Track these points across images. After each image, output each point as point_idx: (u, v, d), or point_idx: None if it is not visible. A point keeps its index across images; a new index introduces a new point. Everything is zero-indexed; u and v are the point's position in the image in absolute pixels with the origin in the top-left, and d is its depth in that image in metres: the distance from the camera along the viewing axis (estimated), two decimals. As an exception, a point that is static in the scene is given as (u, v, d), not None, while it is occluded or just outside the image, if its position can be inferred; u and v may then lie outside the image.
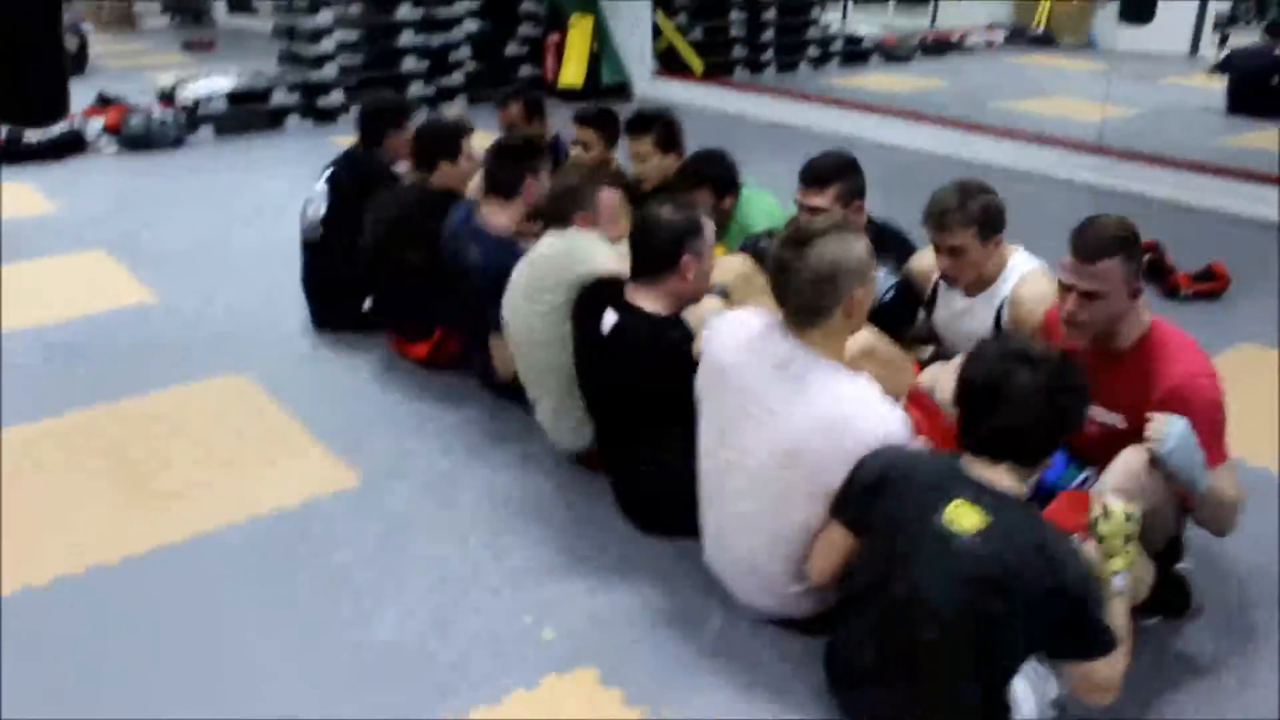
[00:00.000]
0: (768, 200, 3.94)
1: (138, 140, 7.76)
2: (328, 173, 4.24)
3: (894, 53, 12.44)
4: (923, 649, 2.00)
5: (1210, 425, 2.34)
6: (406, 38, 9.05)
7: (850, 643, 2.21)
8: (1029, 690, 2.00)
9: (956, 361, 2.79)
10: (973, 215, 2.94)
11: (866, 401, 2.27)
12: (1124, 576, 2.07)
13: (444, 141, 3.99)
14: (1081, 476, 2.63)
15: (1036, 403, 2.01)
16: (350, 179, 4.19)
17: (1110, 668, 1.99)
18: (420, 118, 4.41)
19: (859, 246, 2.31)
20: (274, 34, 9.35)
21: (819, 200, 3.31)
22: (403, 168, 4.27)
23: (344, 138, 8.17)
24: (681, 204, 2.90)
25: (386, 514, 3.04)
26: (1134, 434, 2.33)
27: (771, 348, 2.37)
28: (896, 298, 3.37)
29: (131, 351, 4.16)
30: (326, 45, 8.68)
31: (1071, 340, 2.50)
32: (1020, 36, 14.00)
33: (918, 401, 2.79)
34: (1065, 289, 2.47)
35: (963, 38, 13.72)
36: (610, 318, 2.83)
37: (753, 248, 3.43)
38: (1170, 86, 10.40)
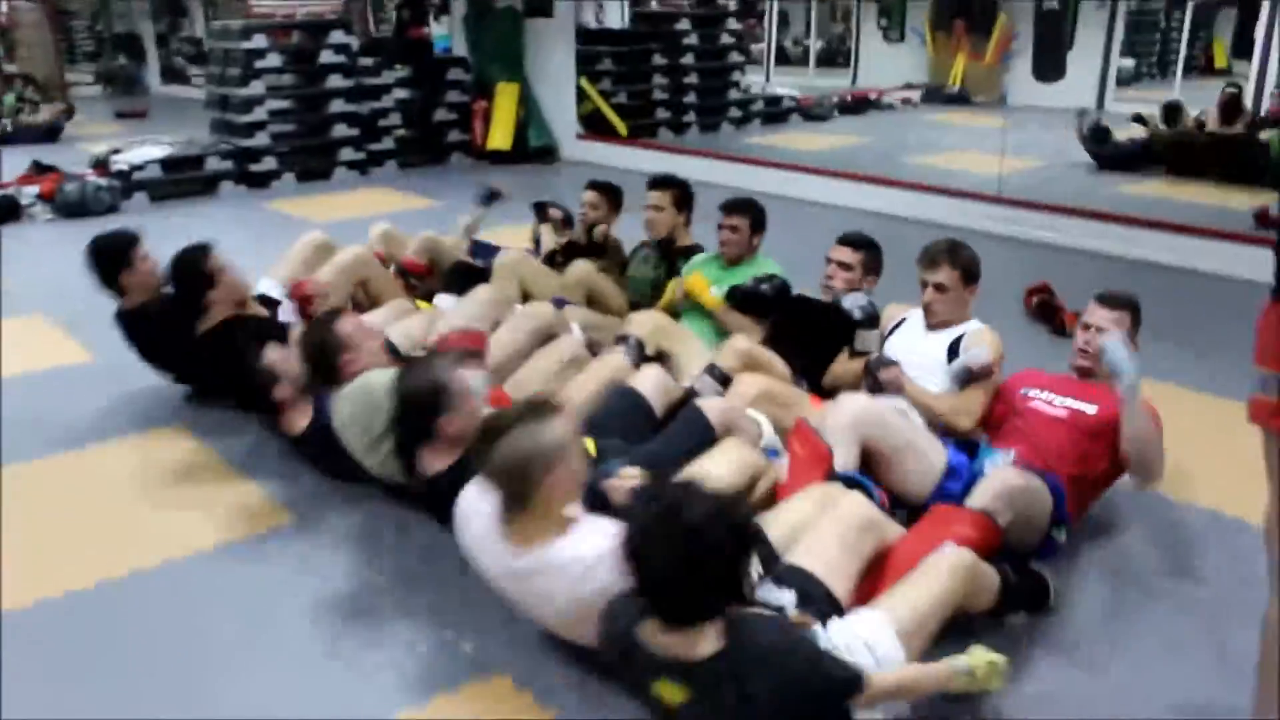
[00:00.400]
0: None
1: (73, 207, 7.92)
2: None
3: (812, 112, 12.94)
4: None
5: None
6: (337, 105, 9.33)
7: None
8: None
9: (844, 401, 3.12)
10: (960, 262, 3.52)
11: (578, 575, 2.35)
12: (964, 668, 2.28)
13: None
14: (1008, 456, 3.03)
15: (679, 568, 2.00)
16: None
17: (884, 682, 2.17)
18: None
19: (552, 428, 2.37)
20: (207, 104, 9.57)
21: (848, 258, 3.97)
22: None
23: (278, 202, 8.46)
24: (423, 368, 2.99)
25: (322, 547, 3.24)
26: (1099, 420, 3.12)
27: (498, 551, 2.48)
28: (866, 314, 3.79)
29: (73, 408, 4.32)
30: (259, 113, 8.93)
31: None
32: (936, 95, 14.56)
33: (801, 435, 3.07)
34: (1085, 327, 3.33)
35: (880, 96, 14.29)
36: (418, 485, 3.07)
37: (751, 290, 4.05)
38: (1073, 140, 10.94)
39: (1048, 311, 5.32)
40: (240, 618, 2.90)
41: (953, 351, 3.46)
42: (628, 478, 2.75)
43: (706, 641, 2.06)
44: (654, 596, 2.08)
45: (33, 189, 8.14)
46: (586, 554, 2.34)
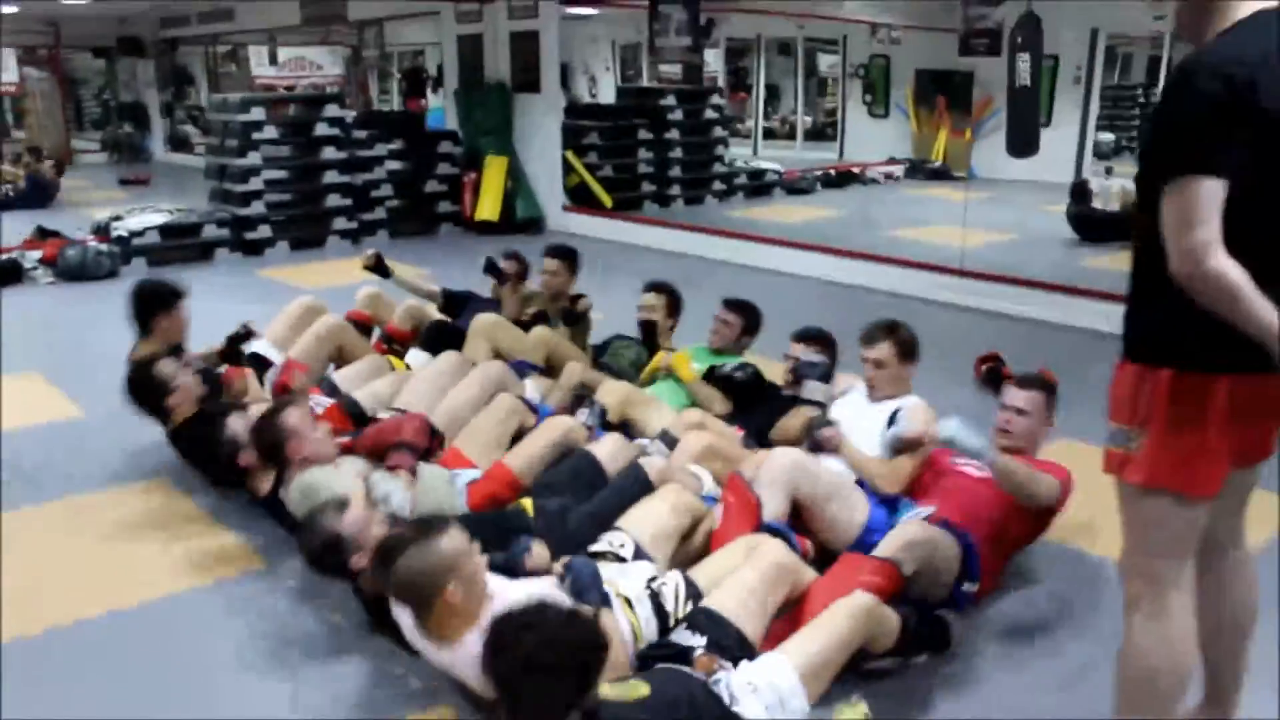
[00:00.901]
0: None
1: (73, 272, 8.24)
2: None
3: (795, 185, 13.35)
4: None
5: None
6: (330, 176, 9.69)
7: None
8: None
9: (776, 455, 3.38)
10: (898, 340, 3.79)
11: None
12: None
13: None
14: (922, 512, 3.27)
15: (513, 681, 2.22)
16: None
17: None
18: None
19: (439, 545, 2.55)
20: (206, 173, 9.93)
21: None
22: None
23: (271, 269, 8.77)
24: (316, 531, 3.06)
25: (288, 591, 3.47)
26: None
27: (424, 646, 2.69)
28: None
29: (63, 460, 4.58)
30: (255, 183, 9.28)
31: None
32: (919, 170, 14.97)
33: (733, 486, 3.32)
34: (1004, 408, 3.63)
35: (863, 170, 14.71)
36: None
37: (727, 375, 4.40)
38: (1042, 214, 11.30)
39: (995, 379, 5.57)
40: (206, 653, 3.12)
41: (891, 422, 3.71)
42: (537, 556, 2.98)
43: None
44: (508, 706, 2.28)
45: (36, 253, 8.46)
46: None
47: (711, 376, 4.43)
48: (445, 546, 2.57)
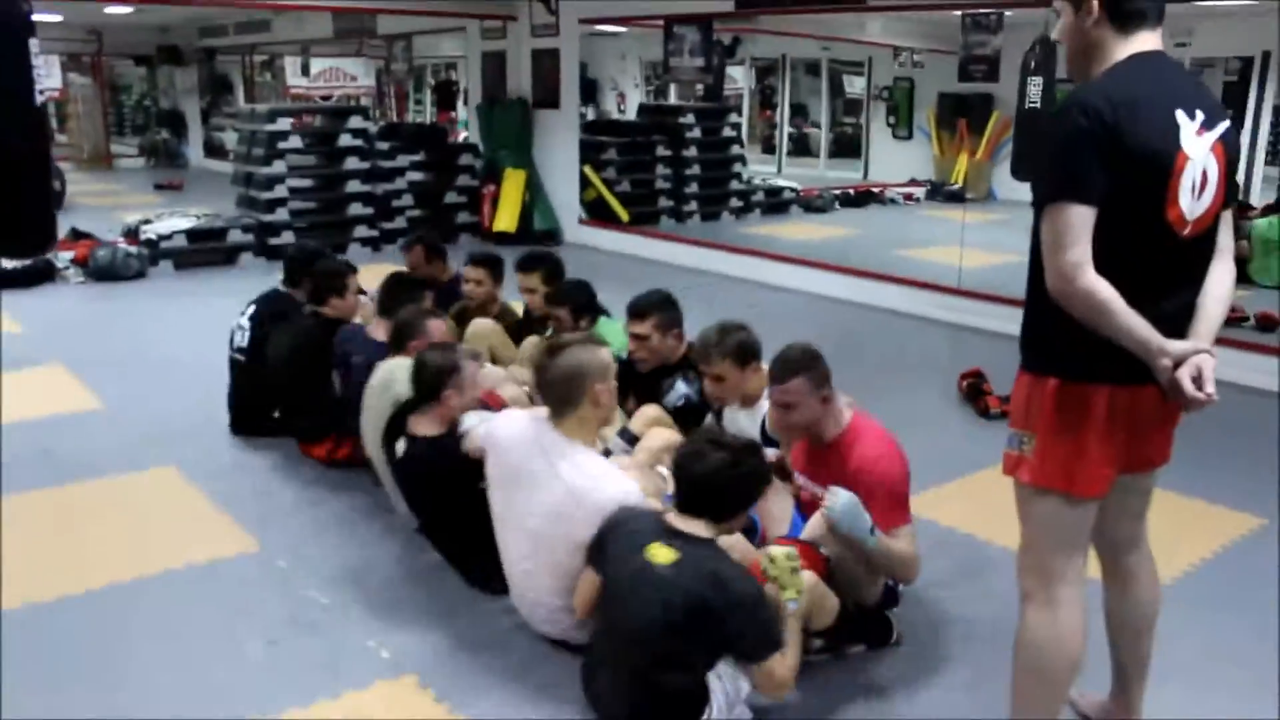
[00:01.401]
0: (617, 328, 4.76)
1: (103, 272, 8.58)
2: (251, 309, 5.03)
3: (812, 204, 13.53)
4: (634, 650, 2.68)
5: (889, 495, 3.07)
6: (353, 185, 10.01)
7: (593, 654, 2.92)
8: (720, 686, 2.67)
9: None
10: (728, 349, 3.62)
11: (605, 475, 2.99)
12: (795, 603, 2.77)
13: (333, 279, 4.84)
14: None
15: (721, 473, 2.70)
16: (269, 315, 4.97)
17: (783, 668, 2.69)
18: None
19: (600, 353, 3.07)
20: (233, 180, 10.28)
21: (640, 329, 4.15)
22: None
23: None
24: (447, 350, 3.70)
25: (278, 570, 3.73)
26: None
27: (536, 436, 3.09)
28: (692, 403, 4.11)
29: (78, 447, 4.87)
30: (280, 191, 9.60)
31: (788, 439, 3.36)
32: (938, 191, 15.12)
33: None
34: (773, 404, 3.27)
35: (883, 191, 14.88)
36: (400, 445, 3.67)
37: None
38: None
39: (975, 394, 5.77)
40: (195, 622, 3.39)
41: (763, 429, 3.74)
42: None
43: (705, 531, 2.71)
44: (689, 493, 2.73)
45: (68, 254, 8.82)
46: (599, 473, 2.99)
47: None
48: (602, 355, 3.09)
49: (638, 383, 4.25)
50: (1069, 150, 2.13)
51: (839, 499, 2.93)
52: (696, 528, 2.71)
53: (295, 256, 5.27)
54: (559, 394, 3.05)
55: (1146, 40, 2.23)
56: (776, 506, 3.52)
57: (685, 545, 2.67)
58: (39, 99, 5.60)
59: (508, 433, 3.22)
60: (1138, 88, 2.16)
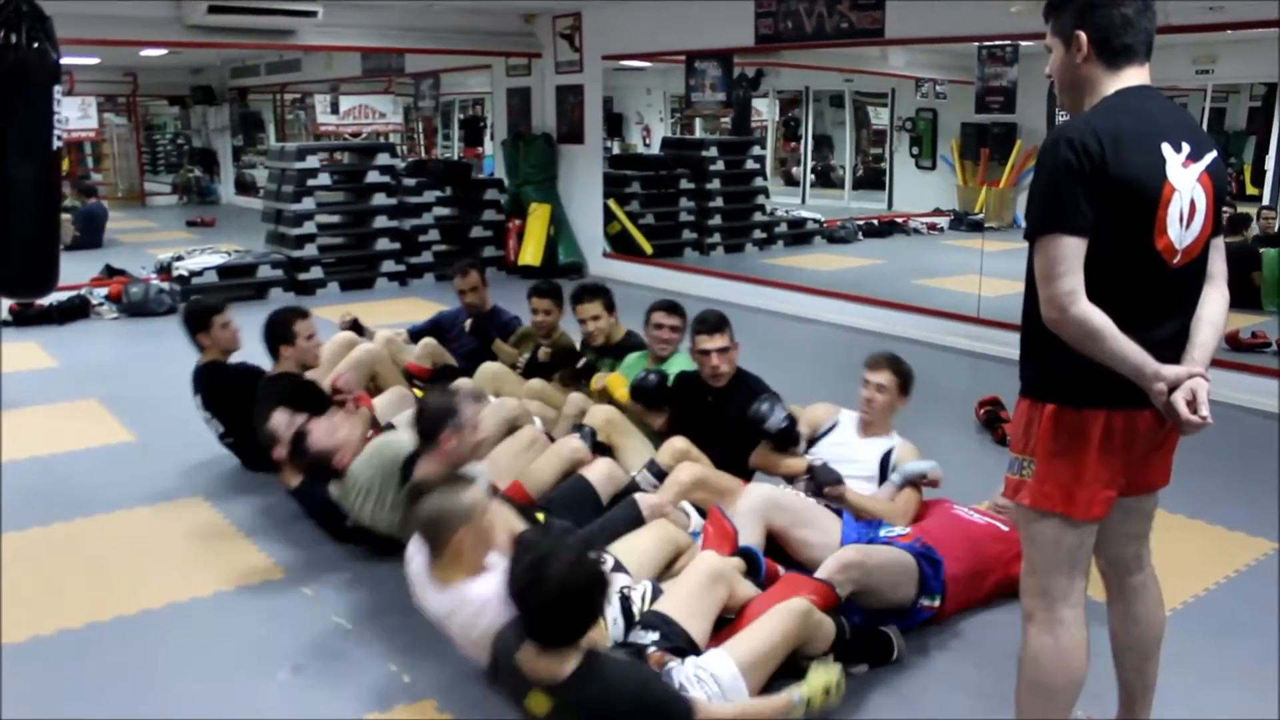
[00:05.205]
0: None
1: (136, 308, 8.76)
2: (197, 399, 5.12)
3: (835, 234, 13.59)
4: None
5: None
6: (381, 221, 10.17)
7: None
8: None
9: (750, 490, 3.68)
10: (901, 370, 4.07)
11: (480, 598, 2.86)
12: (798, 699, 2.79)
13: (277, 330, 4.95)
14: (899, 531, 3.60)
15: (557, 601, 2.51)
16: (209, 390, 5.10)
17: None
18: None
19: (463, 497, 2.95)
20: (263, 217, 10.47)
21: (716, 343, 4.33)
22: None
23: (321, 308, 9.20)
24: (446, 393, 3.79)
25: (303, 598, 3.82)
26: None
27: (427, 588, 3.02)
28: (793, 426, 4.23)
29: (112, 478, 4.99)
30: (309, 227, 9.78)
31: None
32: (962, 221, 15.16)
33: (713, 517, 3.62)
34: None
35: (906, 221, 14.93)
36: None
37: (639, 383, 4.54)
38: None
39: (992, 422, 5.81)
40: (222, 647, 3.48)
41: (885, 461, 4.02)
42: None
43: (568, 664, 2.57)
44: (528, 623, 2.61)
45: (102, 290, 9.02)
46: (481, 594, 2.88)
47: (634, 391, 4.60)
48: (466, 497, 2.97)
49: (700, 401, 4.43)
50: (1057, 183, 2.20)
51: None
52: (558, 665, 2.56)
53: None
54: (426, 537, 3.00)
55: (1134, 75, 2.31)
56: (815, 520, 3.63)
57: (555, 690, 2.57)
58: (57, 143, 5.84)
59: (411, 572, 3.12)
60: (1123, 121, 2.23)
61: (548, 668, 2.58)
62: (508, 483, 4.09)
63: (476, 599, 2.87)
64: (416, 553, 3.09)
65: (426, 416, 3.69)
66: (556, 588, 2.51)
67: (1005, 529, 3.76)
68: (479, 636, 2.88)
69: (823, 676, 2.82)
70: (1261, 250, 8.37)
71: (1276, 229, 9.45)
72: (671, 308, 4.87)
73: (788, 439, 4.16)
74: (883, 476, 4.04)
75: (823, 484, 3.84)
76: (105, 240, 12.96)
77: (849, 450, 4.11)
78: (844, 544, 3.55)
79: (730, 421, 4.25)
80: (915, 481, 3.95)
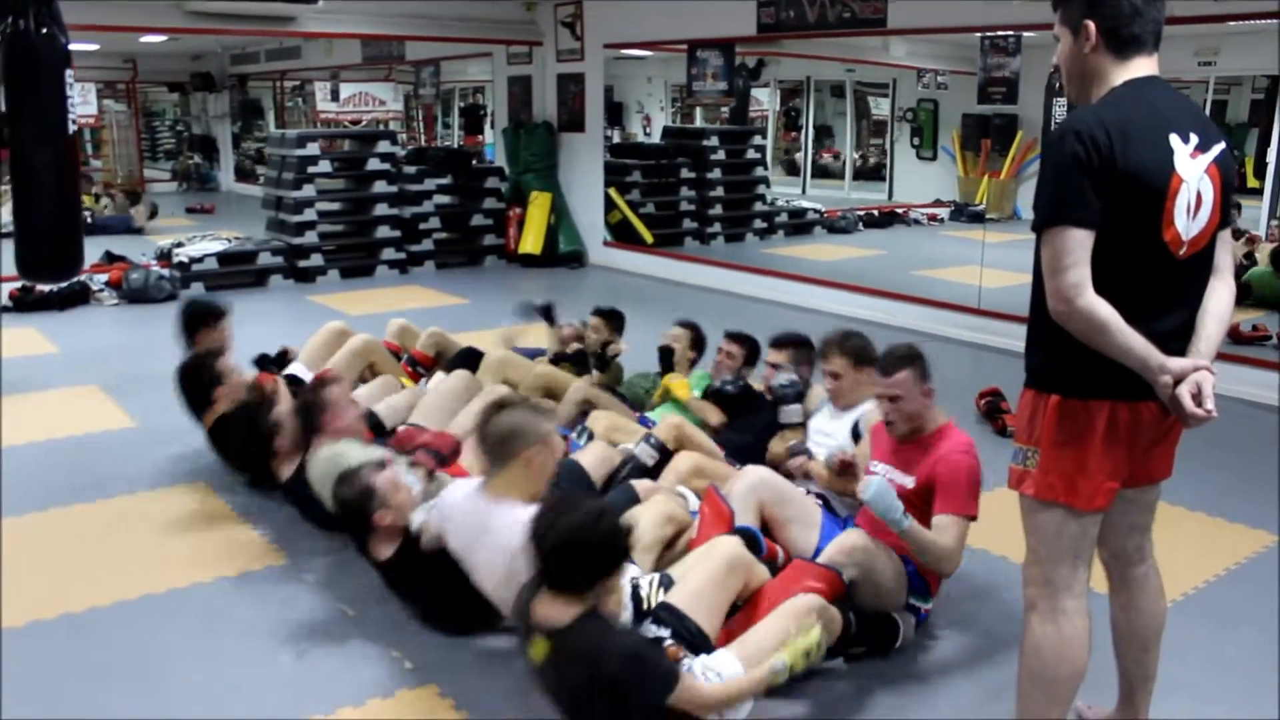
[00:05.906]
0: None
1: (136, 294, 8.76)
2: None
3: (836, 225, 13.59)
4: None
5: (959, 484, 3.26)
6: (381, 209, 10.15)
7: None
8: None
9: (746, 472, 3.67)
10: (848, 350, 3.99)
11: (521, 521, 2.84)
12: (780, 665, 2.75)
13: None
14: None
15: (572, 544, 2.57)
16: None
17: (699, 697, 2.66)
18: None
19: (542, 423, 3.16)
20: (264, 204, 10.46)
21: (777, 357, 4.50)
22: None
23: (320, 296, 9.22)
24: (351, 482, 3.45)
25: (305, 583, 3.83)
26: (917, 491, 3.30)
27: (473, 507, 3.14)
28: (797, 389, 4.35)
29: (113, 464, 5.00)
30: (309, 214, 9.76)
31: (891, 434, 3.47)
32: (962, 212, 15.15)
33: (709, 498, 3.62)
34: (879, 398, 3.46)
35: (906, 212, 14.93)
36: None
37: (718, 389, 4.71)
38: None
39: (993, 413, 5.81)
40: (224, 634, 3.48)
41: (855, 434, 3.99)
42: None
43: (572, 611, 2.57)
44: (540, 564, 2.62)
45: (103, 276, 9.01)
46: (525, 519, 2.88)
47: (707, 393, 4.75)
48: (543, 425, 3.16)
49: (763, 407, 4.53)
50: (1064, 175, 2.20)
51: (871, 484, 3.04)
52: (563, 613, 2.59)
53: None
54: (491, 450, 3.14)
55: (1143, 66, 2.31)
56: (801, 511, 3.62)
57: (554, 636, 2.59)
58: (71, 128, 5.86)
59: (453, 500, 3.31)
60: (1131, 112, 2.22)
61: (553, 612, 2.60)
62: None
63: (518, 521, 2.87)
64: (462, 487, 3.26)
65: (349, 511, 3.48)
66: (570, 533, 2.57)
67: (905, 480, 3.47)
68: (504, 561, 2.95)
69: (803, 641, 2.82)
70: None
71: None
72: (735, 338, 4.95)
73: (783, 401, 4.30)
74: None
75: (792, 453, 3.97)
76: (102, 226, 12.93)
77: (826, 426, 4.16)
78: (821, 546, 3.51)
79: (778, 427, 4.39)
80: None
